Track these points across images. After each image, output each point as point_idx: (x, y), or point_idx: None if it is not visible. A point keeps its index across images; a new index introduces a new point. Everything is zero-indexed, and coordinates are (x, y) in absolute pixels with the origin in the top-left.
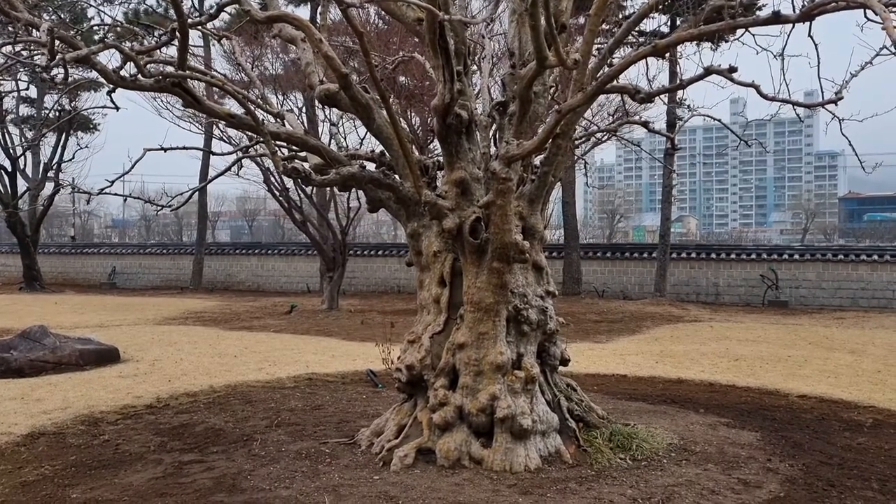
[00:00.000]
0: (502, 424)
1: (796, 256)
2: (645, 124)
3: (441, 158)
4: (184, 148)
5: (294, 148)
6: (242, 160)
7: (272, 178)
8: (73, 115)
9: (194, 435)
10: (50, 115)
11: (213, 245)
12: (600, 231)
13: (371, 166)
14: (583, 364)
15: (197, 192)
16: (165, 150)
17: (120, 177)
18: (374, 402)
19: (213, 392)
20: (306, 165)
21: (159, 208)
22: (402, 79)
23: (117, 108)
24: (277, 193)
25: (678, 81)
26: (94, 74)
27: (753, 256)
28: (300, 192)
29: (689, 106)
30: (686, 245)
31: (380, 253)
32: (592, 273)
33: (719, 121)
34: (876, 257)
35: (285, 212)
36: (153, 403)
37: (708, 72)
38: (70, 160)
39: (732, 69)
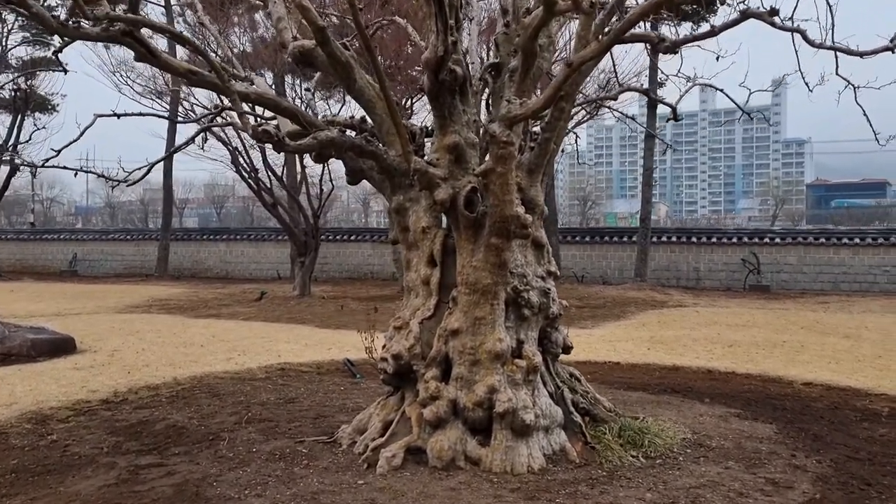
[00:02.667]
0: (502, 420)
1: (777, 240)
2: (646, 92)
3: (429, 125)
4: (140, 115)
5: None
6: (207, 134)
7: (241, 159)
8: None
9: (154, 434)
10: (5, 94)
11: (180, 230)
12: (570, 218)
13: (351, 135)
14: (572, 351)
15: (162, 176)
16: (119, 116)
17: (67, 145)
18: (352, 394)
19: (177, 385)
20: (278, 127)
21: (115, 184)
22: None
23: (65, 71)
24: (246, 175)
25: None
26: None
27: (734, 240)
28: (270, 173)
29: (688, 77)
30: (666, 229)
31: (352, 238)
32: (571, 258)
33: (721, 90)
34: (857, 241)
35: (255, 194)
36: (109, 398)
37: (745, 15)
38: (27, 142)
39: (773, 11)
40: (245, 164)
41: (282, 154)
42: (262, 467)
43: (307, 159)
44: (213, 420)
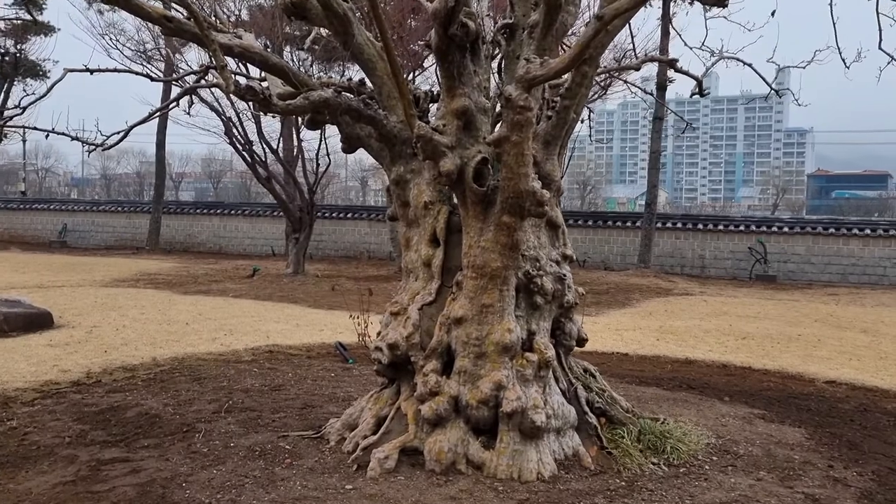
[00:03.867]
0: (509, 420)
1: (785, 229)
2: (671, 62)
3: (435, 90)
4: (114, 70)
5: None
6: (196, 101)
7: (234, 130)
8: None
9: (123, 422)
10: None
11: (173, 203)
12: (570, 202)
13: (348, 97)
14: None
15: (155, 148)
16: (91, 71)
17: (33, 102)
18: (343, 381)
19: (156, 366)
20: (266, 86)
21: (91, 148)
22: None
23: (35, 22)
24: (240, 147)
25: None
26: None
27: (741, 228)
28: (265, 145)
29: (712, 51)
30: (671, 215)
31: (349, 216)
32: (573, 242)
33: (749, 65)
34: (868, 231)
35: (248, 167)
36: (81, 380)
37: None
38: (15, 107)
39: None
40: (239, 136)
41: (277, 126)
42: (239, 466)
43: (304, 132)
44: (191, 408)
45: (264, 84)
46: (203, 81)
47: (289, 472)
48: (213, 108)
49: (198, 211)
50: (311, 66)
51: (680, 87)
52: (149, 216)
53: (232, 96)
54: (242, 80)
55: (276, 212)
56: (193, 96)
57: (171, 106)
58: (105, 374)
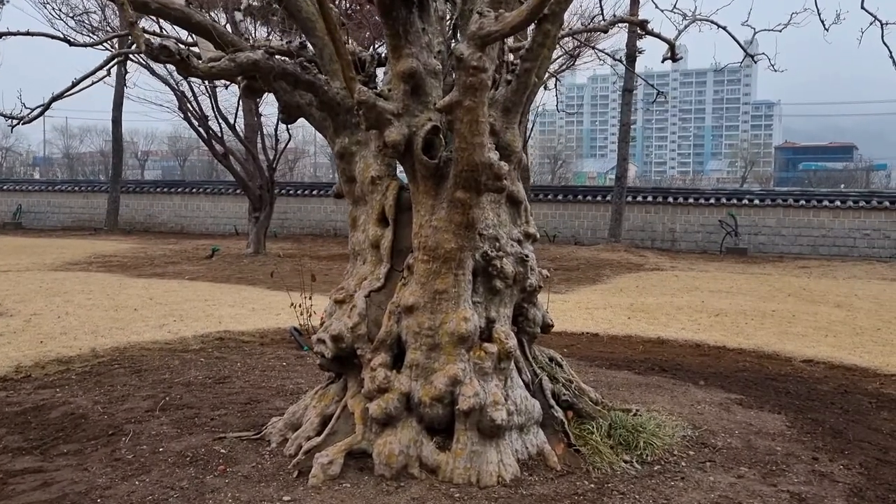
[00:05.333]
0: (466, 419)
1: (756, 201)
2: (641, 24)
3: (382, 53)
4: (27, 34)
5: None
6: (123, 62)
7: (189, 105)
8: None
9: (45, 424)
10: None
11: (132, 182)
12: (541, 177)
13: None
14: None
15: (111, 125)
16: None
17: None
18: (295, 371)
19: (95, 357)
20: (192, 50)
21: (13, 122)
22: None
23: None
24: (196, 122)
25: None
26: None
27: (712, 201)
28: (221, 121)
29: (684, 14)
30: (642, 188)
31: (314, 193)
32: (542, 217)
33: (724, 28)
34: (838, 203)
35: (204, 143)
36: (9, 375)
37: None
38: None
39: None
40: (194, 111)
41: (236, 101)
42: (166, 475)
43: (264, 107)
44: (122, 406)
45: (195, 49)
46: (134, 48)
47: (221, 481)
48: (165, 82)
49: (158, 189)
50: (256, 31)
51: (649, 60)
52: (107, 196)
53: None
54: (157, 40)
55: (239, 190)
56: (147, 70)
57: (99, 74)
58: (36, 368)
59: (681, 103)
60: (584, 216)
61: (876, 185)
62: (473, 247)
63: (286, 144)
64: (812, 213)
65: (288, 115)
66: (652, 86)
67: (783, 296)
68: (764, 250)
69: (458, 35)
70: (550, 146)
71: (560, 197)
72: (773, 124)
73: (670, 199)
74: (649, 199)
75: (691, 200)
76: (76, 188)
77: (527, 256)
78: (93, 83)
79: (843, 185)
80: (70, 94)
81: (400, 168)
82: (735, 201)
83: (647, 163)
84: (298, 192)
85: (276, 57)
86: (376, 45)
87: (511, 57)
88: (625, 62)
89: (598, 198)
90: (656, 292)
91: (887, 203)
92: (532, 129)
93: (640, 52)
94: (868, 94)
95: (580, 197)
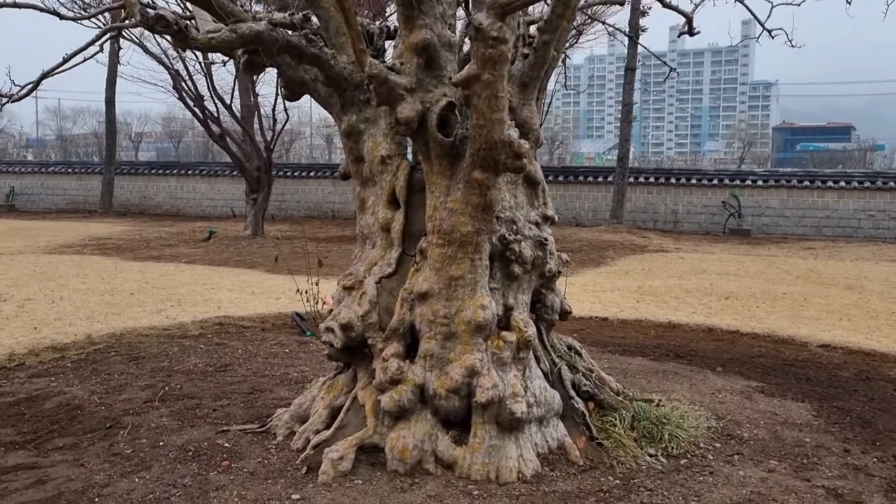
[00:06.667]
0: (484, 411)
1: (760, 182)
2: None
3: (392, 25)
4: (13, 6)
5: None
6: (116, 37)
7: (184, 85)
8: None
9: (40, 416)
10: None
11: (126, 164)
12: (539, 158)
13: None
14: None
15: (105, 106)
16: None
17: None
18: (299, 358)
19: (91, 344)
20: (186, 20)
21: (4, 101)
22: None
23: None
24: (191, 103)
25: None
26: None
27: (714, 182)
28: (217, 101)
29: None
30: (644, 169)
31: (311, 174)
32: None
33: (741, 1)
34: (843, 184)
35: (200, 124)
36: (2, 363)
37: None
38: None
39: None
40: (189, 91)
41: (232, 80)
42: (167, 472)
43: (261, 86)
44: (120, 396)
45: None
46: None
47: (225, 477)
48: (159, 61)
49: (153, 171)
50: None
51: (651, 40)
52: (101, 178)
53: (192, 50)
54: (152, 11)
55: (235, 171)
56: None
57: (91, 50)
58: (30, 356)
59: (678, 83)
60: (584, 197)
61: (876, 166)
62: (490, 230)
63: (283, 125)
64: (816, 193)
65: (291, 91)
66: (664, 62)
67: (791, 278)
68: (767, 231)
69: (471, 6)
70: (548, 127)
71: (560, 178)
72: (771, 105)
73: (672, 180)
74: (651, 179)
75: (694, 181)
76: (70, 170)
77: (546, 240)
78: (84, 59)
79: (841, 166)
80: (61, 71)
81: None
82: (738, 182)
83: (645, 143)
84: (296, 173)
85: (280, 29)
86: (378, 21)
87: (529, 30)
88: (632, 38)
89: (600, 179)
90: (663, 275)
91: (892, 183)
92: (548, 107)
93: (643, 30)
94: (866, 74)
95: (581, 178)
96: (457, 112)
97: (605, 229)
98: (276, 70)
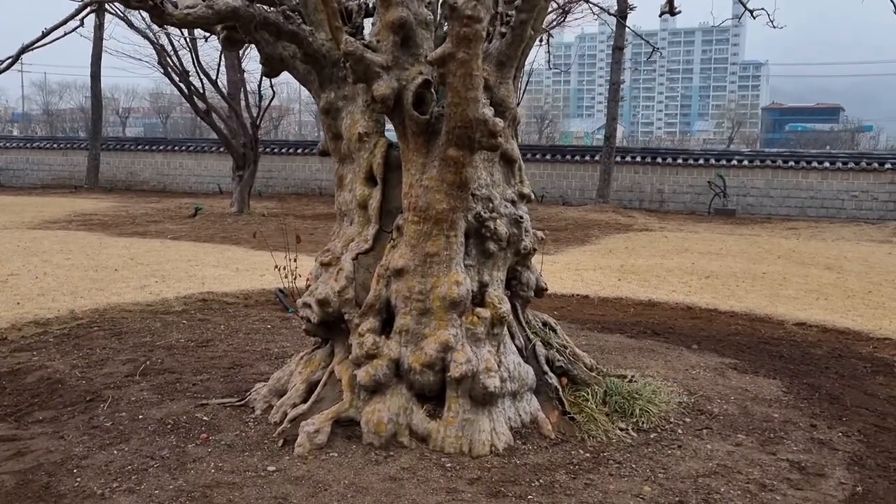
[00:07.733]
0: (458, 386)
1: (745, 162)
2: None
3: (371, 1)
4: None
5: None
6: (97, 10)
7: (170, 60)
8: None
9: (21, 390)
10: None
11: (112, 140)
12: (528, 136)
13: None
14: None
15: (90, 80)
16: None
17: None
18: (280, 334)
19: (74, 319)
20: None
21: None
22: None
23: None
24: (176, 78)
25: None
26: None
27: (700, 162)
28: (202, 75)
29: None
30: (631, 149)
31: (299, 151)
32: (531, 176)
33: None
34: (827, 164)
35: (186, 99)
36: None
37: None
38: None
39: None
40: (174, 66)
41: (218, 55)
42: (146, 444)
43: (247, 62)
44: (101, 370)
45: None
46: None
47: (203, 450)
48: (143, 35)
49: (140, 147)
50: None
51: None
52: (87, 153)
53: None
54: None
55: (222, 147)
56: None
57: (71, 24)
58: (13, 331)
59: (668, 63)
60: (571, 176)
61: (862, 147)
62: (466, 207)
63: (270, 101)
64: (801, 174)
65: (270, 68)
66: (647, 41)
67: (773, 258)
68: (752, 211)
69: None
70: (537, 105)
71: (548, 157)
72: (761, 85)
73: (659, 160)
74: (638, 159)
75: (680, 161)
76: (55, 145)
77: (521, 217)
78: (65, 34)
79: (828, 147)
80: (41, 46)
81: (389, 125)
82: (724, 162)
83: (634, 123)
84: (283, 150)
85: (257, 5)
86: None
87: (505, 8)
88: (618, 17)
89: (587, 158)
90: (646, 254)
91: (876, 164)
92: (526, 85)
93: (631, 9)
94: (856, 55)
95: (568, 157)
96: (433, 90)
97: (592, 208)
98: (255, 46)
